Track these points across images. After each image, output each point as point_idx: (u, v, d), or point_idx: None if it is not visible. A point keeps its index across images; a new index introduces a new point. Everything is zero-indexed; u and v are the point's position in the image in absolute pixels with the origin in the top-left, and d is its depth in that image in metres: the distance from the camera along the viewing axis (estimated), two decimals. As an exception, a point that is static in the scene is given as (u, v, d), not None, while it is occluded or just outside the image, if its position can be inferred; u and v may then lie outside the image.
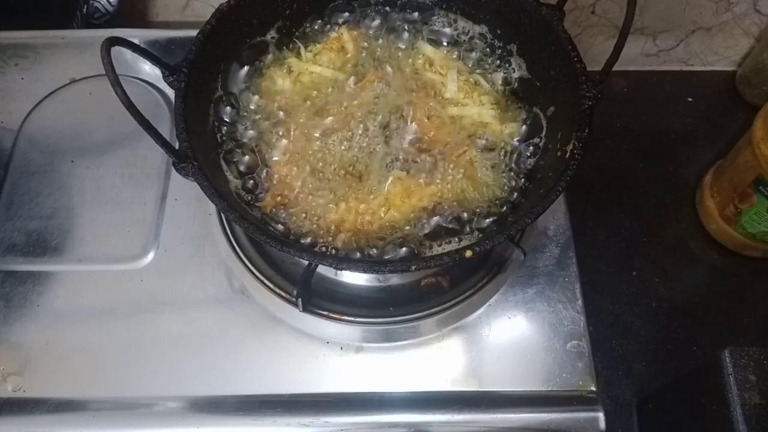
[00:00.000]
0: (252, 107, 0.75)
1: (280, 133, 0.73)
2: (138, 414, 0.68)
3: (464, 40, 0.79)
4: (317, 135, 0.73)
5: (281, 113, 0.74)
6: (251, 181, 0.70)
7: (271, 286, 0.73)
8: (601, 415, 0.68)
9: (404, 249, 0.67)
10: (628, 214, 1.01)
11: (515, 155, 0.72)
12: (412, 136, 0.73)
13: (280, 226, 0.68)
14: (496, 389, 0.70)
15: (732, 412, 0.66)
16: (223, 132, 0.73)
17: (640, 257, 0.98)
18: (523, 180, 0.71)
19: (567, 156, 0.63)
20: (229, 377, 0.70)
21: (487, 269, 0.75)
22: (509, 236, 0.59)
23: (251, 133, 0.73)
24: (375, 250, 0.67)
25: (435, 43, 0.79)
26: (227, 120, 0.74)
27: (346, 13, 0.80)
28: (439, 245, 0.67)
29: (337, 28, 0.80)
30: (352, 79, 0.76)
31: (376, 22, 0.81)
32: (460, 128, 0.74)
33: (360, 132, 0.73)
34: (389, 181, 0.70)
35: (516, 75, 0.76)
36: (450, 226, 0.68)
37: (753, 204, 0.88)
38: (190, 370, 0.70)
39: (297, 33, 0.79)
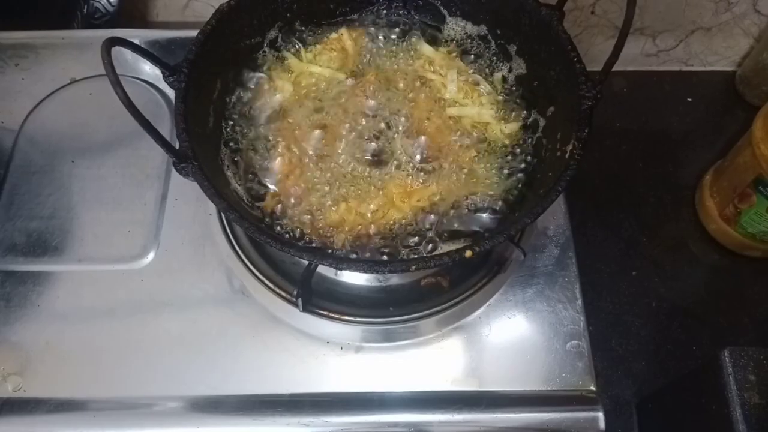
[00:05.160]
0: (252, 107, 0.75)
1: (280, 133, 0.73)
2: (138, 414, 0.68)
3: (464, 40, 0.79)
4: (317, 135, 0.73)
5: (281, 113, 0.75)
6: (251, 182, 0.71)
7: (271, 286, 0.73)
8: (601, 415, 0.68)
9: (404, 249, 0.67)
10: (628, 214, 1.01)
11: (515, 155, 0.72)
12: (411, 137, 0.73)
13: (280, 226, 0.68)
14: (496, 389, 0.70)
15: (732, 412, 0.66)
16: (223, 132, 0.73)
17: (640, 257, 0.98)
18: (522, 180, 0.71)
19: (567, 156, 0.63)
20: (229, 377, 0.70)
21: (487, 269, 0.75)
22: (509, 236, 0.59)
23: (251, 133, 0.74)
24: (375, 250, 0.67)
25: (435, 43, 0.79)
26: (227, 120, 0.74)
27: (347, 14, 0.80)
28: (439, 245, 0.67)
29: (336, 29, 0.80)
30: (351, 79, 0.77)
31: (376, 23, 0.81)
32: (460, 128, 0.74)
33: (360, 132, 0.73)
34: (389, 181, 0.70)
35: (516, 75, 0.76)
36: (449, 225, 0.68)
37: (753, 204, 0.88)
38: (190, 370, 0.70)
39: (297, 33, 0.79)
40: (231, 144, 0.72)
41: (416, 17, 0.81)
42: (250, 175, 0.71)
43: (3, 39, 0.94)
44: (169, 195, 0.81)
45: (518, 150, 0.73)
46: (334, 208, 0.68)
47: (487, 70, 0.78)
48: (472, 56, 0.78)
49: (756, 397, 0.66)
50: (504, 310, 0.74)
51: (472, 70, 0.78)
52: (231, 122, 0.74)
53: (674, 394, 0.81)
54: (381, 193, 0.69)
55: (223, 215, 0.77)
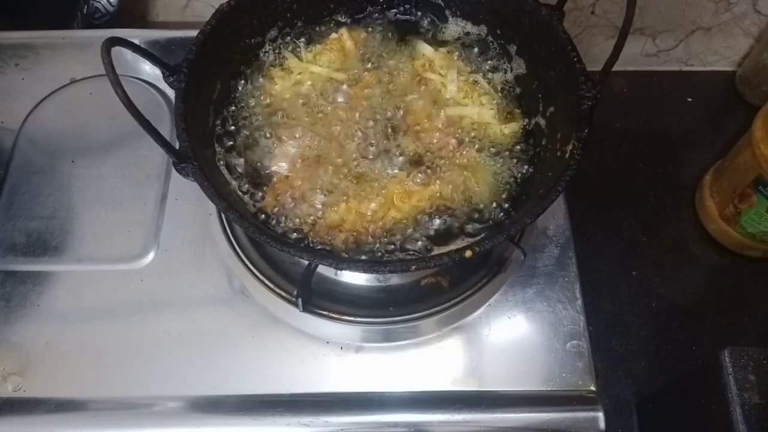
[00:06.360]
0: (252, 107, 0.75)
1: (280, 134, 0.73)
2: (138, 414, 0.68)
3: (464, 41, 0.79)
4: (317, 135, 0.73)
5: (281, 113, 0.75)
6: (251, 181, 0.71)
7: (271, 286, 0.73)
8: (600, 415, 0.68)
9: (404, 249, 0.67)
10: (628, 214, 1.01)
11: (515, 155, 0.72)
12: (411, 137, 0.73)
13: (280, 226, 0.68)
14: (496, 389, 0.70)
15: (732, 412, 0.66)
16: (223, 132, 0.73)
17: (640, 257, 0.98)
18: (522, 180, 0.71)
19: (567, 156, 0.63)
20: (229, 377, 0.70)
21: (487, 269, 0.75)
22: (509, 236, 0.59)
23: (251, 132, 0.73)
24: (375, 250, 0.67)
25: (435, 43, 0.79)
26: (227, 120, 0.74)
27: (347, 14, 0.80)
28: (439, 245, 0.67)
29: (337, 29, 0.80)
30: (351, 79, 0.77)
31: (376, 23, 0.81)
32: (460, 128, 0.74)
33: (360, 132, 0.73)
34: (389, 181, 0.70)
35: (516, 75, 0.76)
36: (450, 225, 0.68)
37: (753, 204, 0.88)
38: (190, 370, 0.70)
39: (297, 33, 0.79)
40: (231, 144, 0.72)
41: (416, 17, 0.81)
42: (250, 175, 0.71)
43: (3, 39, 0.94)
44: (169, 195, 0.81)
45: (518, 150, 0.73)
46: (334, 208, 0.68)
47: (486, 70, 0.78)
48: (472, 56, 0.78)
49: (756, 397, 0.66)
50: (504, 310, 0.74)
51: (471, 70, 0.78)
52: (231, 122, 0.74)
53: (674, 394, 0.81)
54: (381, 193, 0.69)
55: (223, 215, 0.77)
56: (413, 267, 0.59)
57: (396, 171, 0.71)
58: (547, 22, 0.68)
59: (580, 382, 0.70)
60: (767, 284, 0.95)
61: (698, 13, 1.03)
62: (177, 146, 0.61)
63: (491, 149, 0.73)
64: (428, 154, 0.72)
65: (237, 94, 0.75)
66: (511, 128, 0.74)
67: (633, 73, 1.14)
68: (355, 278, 0.75)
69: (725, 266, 0.97)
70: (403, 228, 0.68)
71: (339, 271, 0.74)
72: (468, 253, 0.57)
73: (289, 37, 0.78)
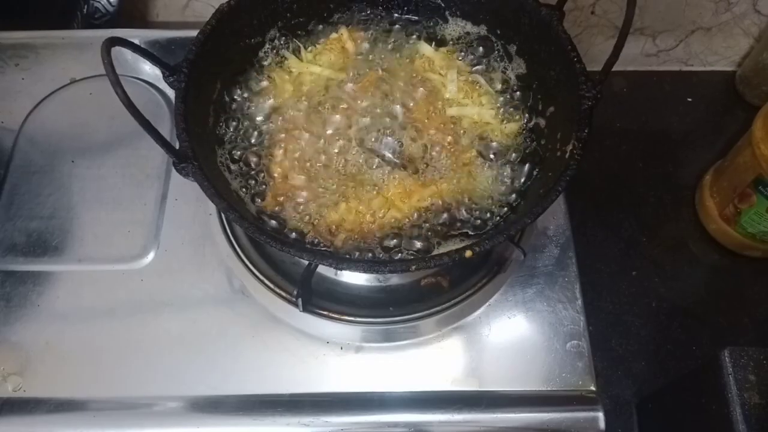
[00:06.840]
0: (252, 107, 0.75)
1: (280, 134, 0.73)
2: (138, 414, 0.68)
3: (464, 41, 0.79)
4: (317, 135, 0.73)
5: (281, 113, 0.75)
6: (251, 181, 0.71)
7: (271, 286, 0.73)
8: (600, 415, 0.68)
9: (404, 249, 0.67)
10: (628, 214, 1.01)
11: (515, 155, 0.72)
12: (411, 137, 0.73)
13: (280, 226, 0.68)
14: (496, 389, 0.70)
15: (732, 412, 0.66)
16: (223, 132, 0.73)
17: (640, 257, 0.98)
18: (522, 180, 0.71)
19: (567, 156, 0.63)
20: (229, 377, 0.70)
21: (487, 269, 0.75)
22: (509, 236, 0.59)
23: (251, 133, 0.73)
24: (375, 250, 0.67)
25: (435, 43, 0.79)
26: (227, 120, 0.74)
27: (347, 14, 0.80)
28: (439, 245, 0.67)
29: (337, 29, 0.80)
30: (351, 79, 0.77)
31: (376, 23, 0.81)
32: (460, 128, 0.74)
33: (360, 132, 0.73)
34: (389, 181, 0.70)
35: (516, 75, 0.76)
36: (450, 225, 0.68)
37: (752, 204, 0.88)
38: (190, 370, 0.70)
39: (297, 33, 0.79)
40: (231, 144, 0.72)
41: (416, 17, 0.81)
42: (250, 175, 0.71)
43: (3, 39, 0.94)
44: (169, 195, 0.81)
45: (518, 150, 0.73)
46: (334, 208, 0.68)
47: (487, 70, 0.78)
48: (472, 56, 0.78)
49: (756, 397, 0.66)
50: (504, 310, 0.74)
51: (471, 70, 0.78)
52: (231, 122, 0.74)
53: (674, 394, 0.81)
54: (381, 193, 0.69)
55: (223, 215, 0.77)
56: (413, 267, 0.59)
57: (396, 171, 0.71)
58: (547, 22, 0.68)
59: (580, 382, 0.70)
60: (767, 284, 0.96)
61: (698, 13, 1.03)
62: (177, 146, 0.61)
63: (491, 149, 0.73)
64: (428, 154, 0.72)
65: (237, 94, 0.75)
66: (511, 128, 0.74)
67: (633, 73, 1.14)
68: (355, 278, 0.75)
69: (725, 266, 0.97)
70: (403, 228, 0.68)
71: (339, 271, 0.74)
72: (468, 253, 0.57)
73: (289, 37, 0.78)
